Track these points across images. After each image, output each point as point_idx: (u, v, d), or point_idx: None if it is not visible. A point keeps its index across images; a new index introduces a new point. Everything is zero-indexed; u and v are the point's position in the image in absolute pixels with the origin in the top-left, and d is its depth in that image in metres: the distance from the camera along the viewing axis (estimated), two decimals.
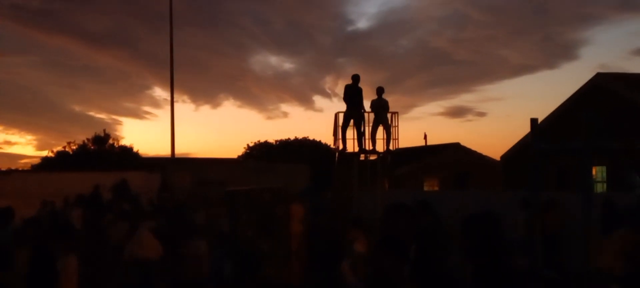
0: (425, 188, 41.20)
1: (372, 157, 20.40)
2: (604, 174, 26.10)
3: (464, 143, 45.97)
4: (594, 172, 25.17)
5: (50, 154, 41.90)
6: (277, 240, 9.26)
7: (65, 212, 18.86)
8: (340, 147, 19.35)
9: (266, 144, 51.84)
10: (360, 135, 19.20)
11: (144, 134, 79.06)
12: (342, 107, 19.24)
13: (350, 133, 19.26)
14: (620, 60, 73.83)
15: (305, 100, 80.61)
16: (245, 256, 8.73)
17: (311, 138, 51.52)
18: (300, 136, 51.81)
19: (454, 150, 44.54)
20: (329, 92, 76.66)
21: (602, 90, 27.03)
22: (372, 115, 19.43)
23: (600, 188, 25.62)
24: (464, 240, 5.03)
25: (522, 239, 11.98)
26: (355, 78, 19.22)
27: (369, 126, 19.40)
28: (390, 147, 19.60)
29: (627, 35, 73.29)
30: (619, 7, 64.76)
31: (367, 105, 19.44)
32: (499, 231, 4.92)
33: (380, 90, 19.56)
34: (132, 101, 75.09)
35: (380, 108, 19.41)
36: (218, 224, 13.92)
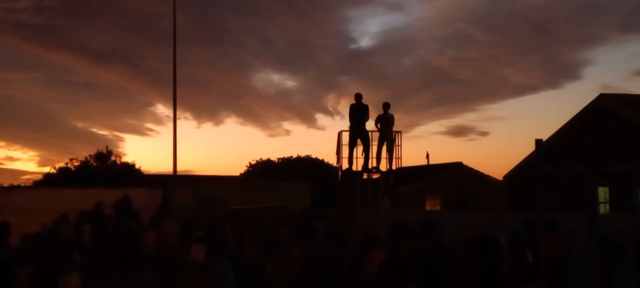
0: (427, 208, 41.13)
1: (375, 176, 20.39)
2: (607, 195, 26.08)
3: (466, 162, 45.95)
4: None
5: (53, 171, 41.97)
6: (281, 261, 9.21)
7: (67, 228, 18.85)
8: (346, 165, 19.35)
9: (268, 161, 51.79)
10: (367, 154, 19.22)
11: (146, 150, 79.14)
12: (345, 125, 19.29)
13: (355, 152, 19.29)
14: (623, 81, 74.05)
15: (307, 118, 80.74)
16: (249, 276, 8.69)
17: (313, 156, 51.53)
18: (302, 154, 51.82)
19: (456, 170, 44.46)
20: (331, 110, 76.77)
21: (605, 111, 27.05)
22: (376, 134, 19.44)
23: (602, 209, 25.57)
24: (466, 262, 5.01)
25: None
26: (358, 97, 19.26)
27: (374, 144, 19.43)
28: (393, 167, 19.60)
29: (630, 56, 73.55)
30: (622, 28, 64.96)
31: (373, 121, 19.52)
32: (500, 254, 4.90)
33: (386, 106, 19.57)
34: (135, 118, 75.38)
35: (385, 123, 19.42)
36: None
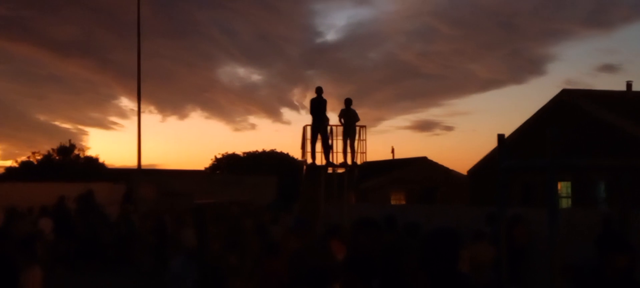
0: (392, 203, 41.27)
1: (340, 170, 20.40)
2: (569, 190, 26.36)
3: (431, 157, 46.19)
4: (559, 188, 25.34)
5: (15, 164, 41.50)
6: (244, 254, 9.20)
7: (28, 221, 18.66)
8: (309, 160, 19.33)
9: (234, 155, 51.69)
10: (328, 148, 19.21)
11: (110, 144, 78.83)
12: (310, 119, 19.24)
13: (318, 146, 19.28)
14: (586, 77, 75.02)
15: (273, 112, 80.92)
16: (212, 270, 8.66)
17: (279, 150, 51.52)
18: (268, 148, 51.79)
19: (421, 165, 44.66)
20: (297, 104, 76.82)
21: (568, 106, 27.32)
22: (340, 128, 19.42)
23: (565, 203, 25.84)
24: (425, 255, 5.03)
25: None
26: (319, 90, 19.31)
27: (337, 138, 19.43)
28: (358, 161, 19.63)
29: (594, 52, 74.78)
30: (586, 24, 65.78)
31: (335, 115, 19.52)
32: (459, 248, 4.91)
33: (348, 102, 19.54)
34: (99, 111, 75.01)
35: (348, 119, 19.42)
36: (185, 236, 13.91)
